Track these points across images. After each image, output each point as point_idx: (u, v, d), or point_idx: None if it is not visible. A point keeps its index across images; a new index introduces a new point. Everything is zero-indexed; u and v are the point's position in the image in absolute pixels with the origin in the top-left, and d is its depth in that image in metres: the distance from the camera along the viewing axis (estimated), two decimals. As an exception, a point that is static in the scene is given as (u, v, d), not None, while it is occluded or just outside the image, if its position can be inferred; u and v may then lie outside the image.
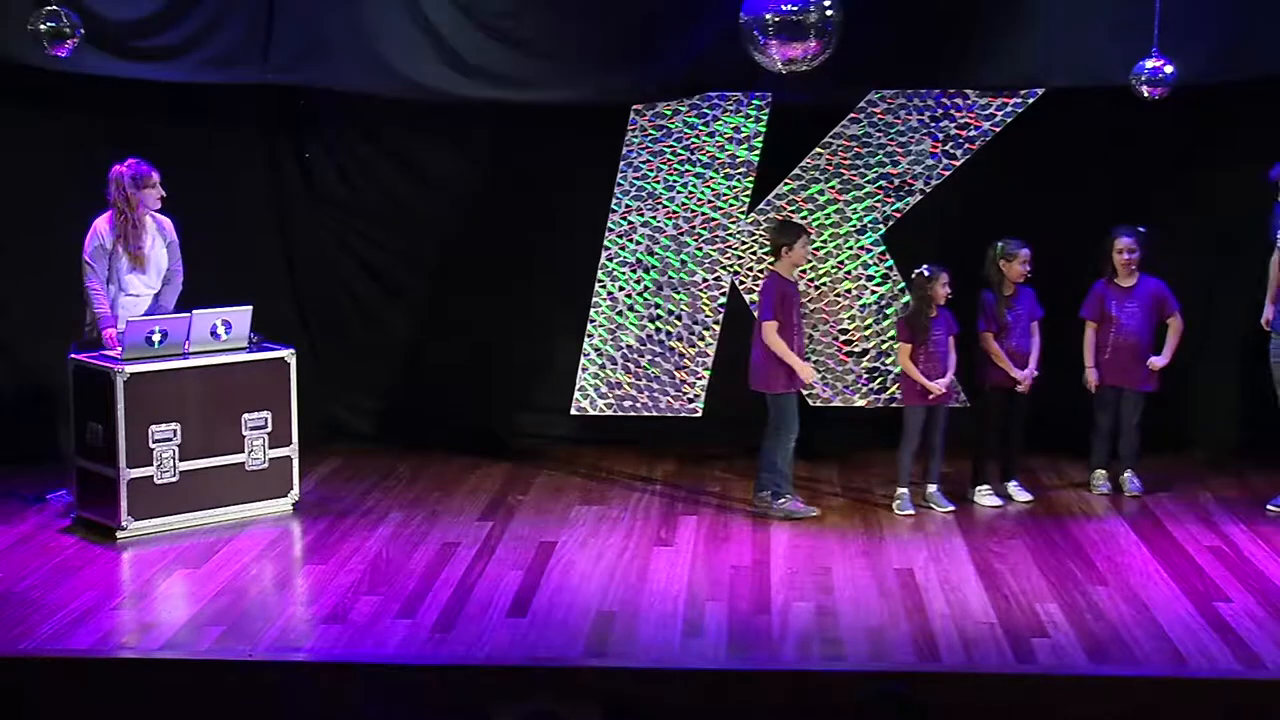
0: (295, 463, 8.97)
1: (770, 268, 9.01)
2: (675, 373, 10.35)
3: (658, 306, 10.32)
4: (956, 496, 9.07)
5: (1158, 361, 9.12)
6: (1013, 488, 9.20)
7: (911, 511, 8.87)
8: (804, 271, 10.19)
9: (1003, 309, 9.02)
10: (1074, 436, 9.54)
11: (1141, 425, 9.24)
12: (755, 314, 9.09)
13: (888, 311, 10.11)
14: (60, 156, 9.78)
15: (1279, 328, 8.72)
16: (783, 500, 8.85)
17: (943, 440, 9.00)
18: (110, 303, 8.79)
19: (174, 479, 8.56)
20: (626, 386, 10.38)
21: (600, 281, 10.30)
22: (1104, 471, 9.31)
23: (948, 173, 10.07)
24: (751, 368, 8.96)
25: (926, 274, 8.85)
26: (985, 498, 9.09)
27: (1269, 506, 8.80)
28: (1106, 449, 9.33)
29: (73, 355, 8.67)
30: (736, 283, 10.25)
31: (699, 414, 10.37)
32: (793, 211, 10.15)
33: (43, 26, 8.32)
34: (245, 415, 8.77)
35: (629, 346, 10.35)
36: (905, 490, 8.94)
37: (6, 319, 9.96)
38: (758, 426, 10.28)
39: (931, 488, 9.02)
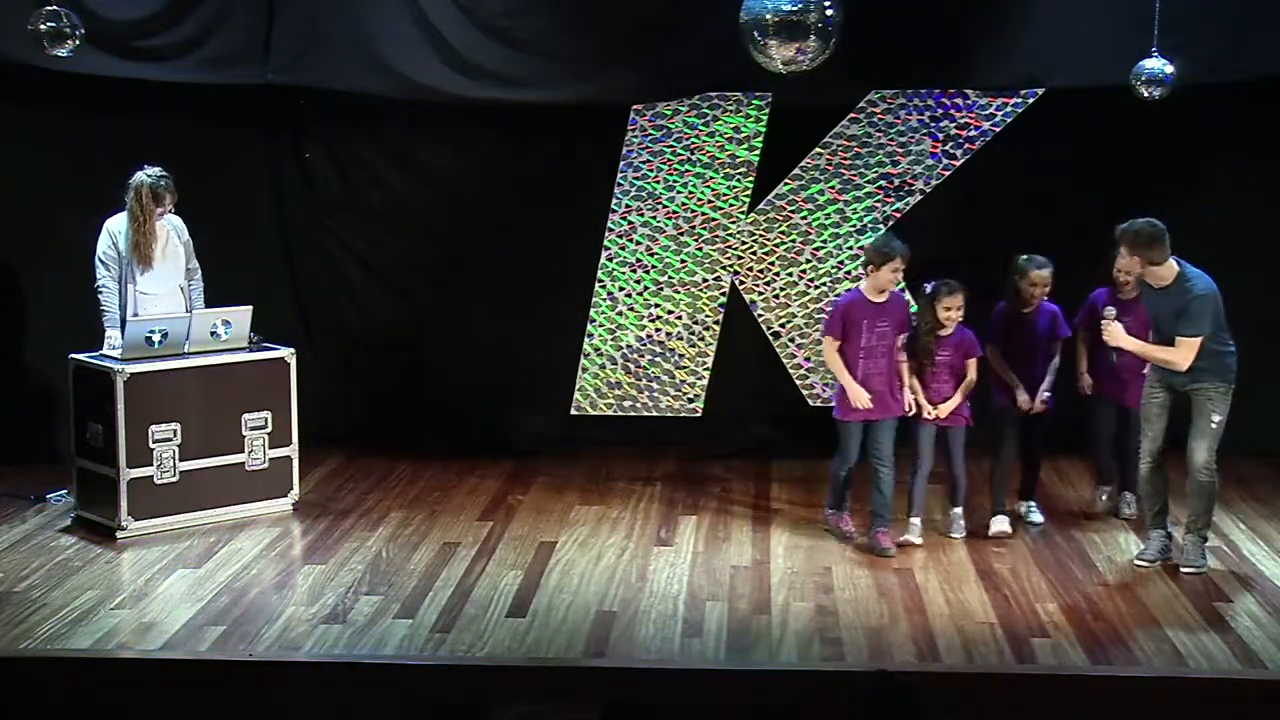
0: (295, 463, 8.97)
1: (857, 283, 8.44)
2: (675, 373, 10.35)
3: (658, 306, 10.32)
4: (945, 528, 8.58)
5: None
6: (1024, 509, 8.71)
7: (918, 541, 8.30)
8: (804, 271, 10.21)
9: (1018, 328, 8.47)
10: (1074, 438, 9.47)
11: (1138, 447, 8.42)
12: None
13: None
14: (61, 156, 9.79)
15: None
16: (832, 513, 8.52)
17: (963, 466, 8.43)
18: (123, 302, 8.79)
19: (174, 479, 8.56)
20: (626, 386, 10.38)
21: (600, 281, 10.30)
22: (1108, 488, 8.87)
23: (948, 173, 10.08)
24: None
25: (929, 291, 8.35)
26: (999, 524, 8.49)
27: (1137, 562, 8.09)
28: (1109, 465, 8.82)
29: (73, 355, 8.67)
30: (736, 283, 10.25)
31: (699, 414, 10.37)
32: (793, 211, 10.16)
33: (43, 26, 8.32)
34: (245, 415, 8.77)
35: (629, 346, 10.35)
36: (917, 520, 8.38)
37: (6, 319, 9.96)
38: (758, 426, 10.32)
39: (955, 510, 8.50)
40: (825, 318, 8.34)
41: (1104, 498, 8.90)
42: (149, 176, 8.76)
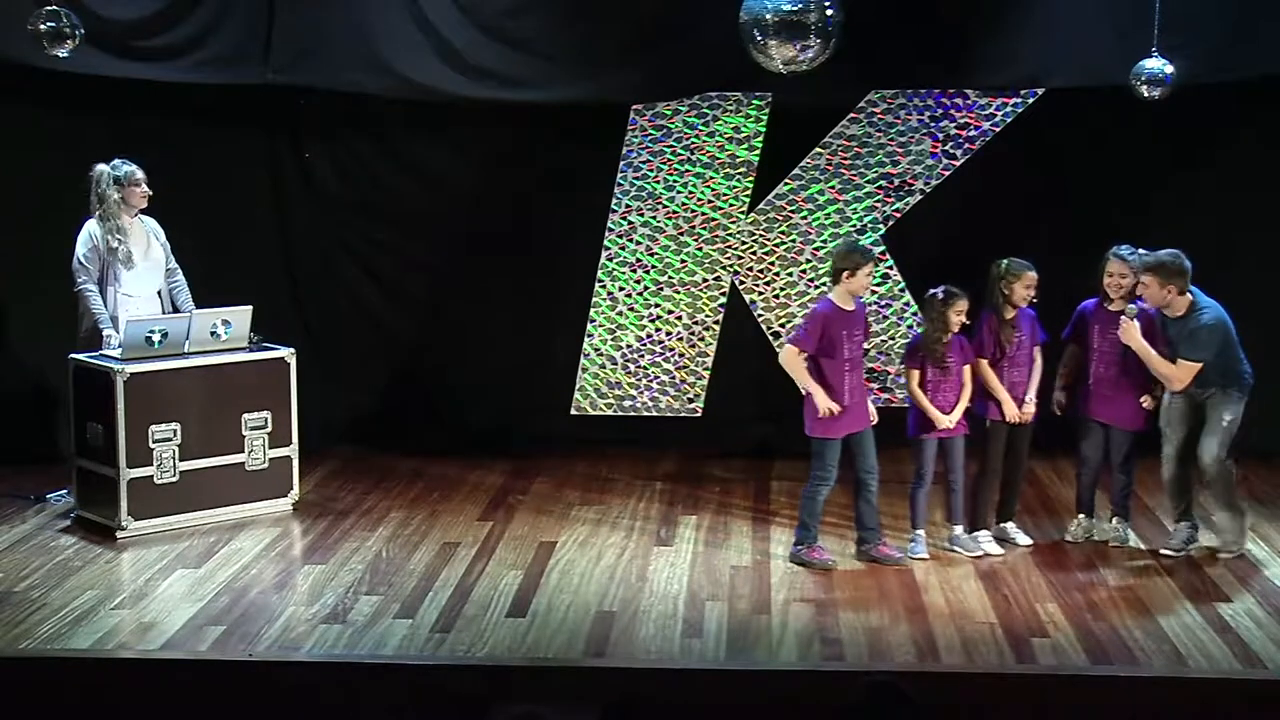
0: (295, 463, 8.97)
1: (827, 294, 8.13)
2: (675, 373, 10.36)
3: (658, 306, 10.32)
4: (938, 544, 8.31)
5: (1147, 402, 8.21)
6: (1010, 529, 8.39)
7: (925, 556, 8.08)
8: (804, 271, 10.21)
9: (1008, 334, 8.19)
10: (1067, 439, 9.37)
11: (1129, 469, 8.34)
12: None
13: (888, 313, 10.13)
14: (60, 156, 9.78)
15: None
16: (799, 548, 8.09)
17: (963, 477, 8.20)
18: (106, 302, 8.78)
19: (174, 479, 8.56)
20: (626, 386, 10.38)
21: (600, 281, 10.31)
22: (1085, 518, 8.42)
23: (948, 173, 10.08)
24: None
25: (941, 297, 8.03)
26: (986, 544, 8.24)
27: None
28: (1090, 492, 8.45)
29: (73, 355, 8.67)
30: (736, 283, 10.25)
31: (699, 414, 10.37)
32: (793, 211, 10.16)
33: (43, 26, 8.31)
34: (245, 415, 8.77)
35: (629, 346, 10.35)
36: (921, 532, 8.17)
37: (6, 319, 9.96)
38: (758, 426, 10.32)
39: (957, 529, 8.25)
40: (798, 328, 8.06)
41: (1077, 531, 8.44)
42: (111, 166, 8.76)
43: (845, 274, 7.94)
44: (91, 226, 8.80)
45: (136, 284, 8.89)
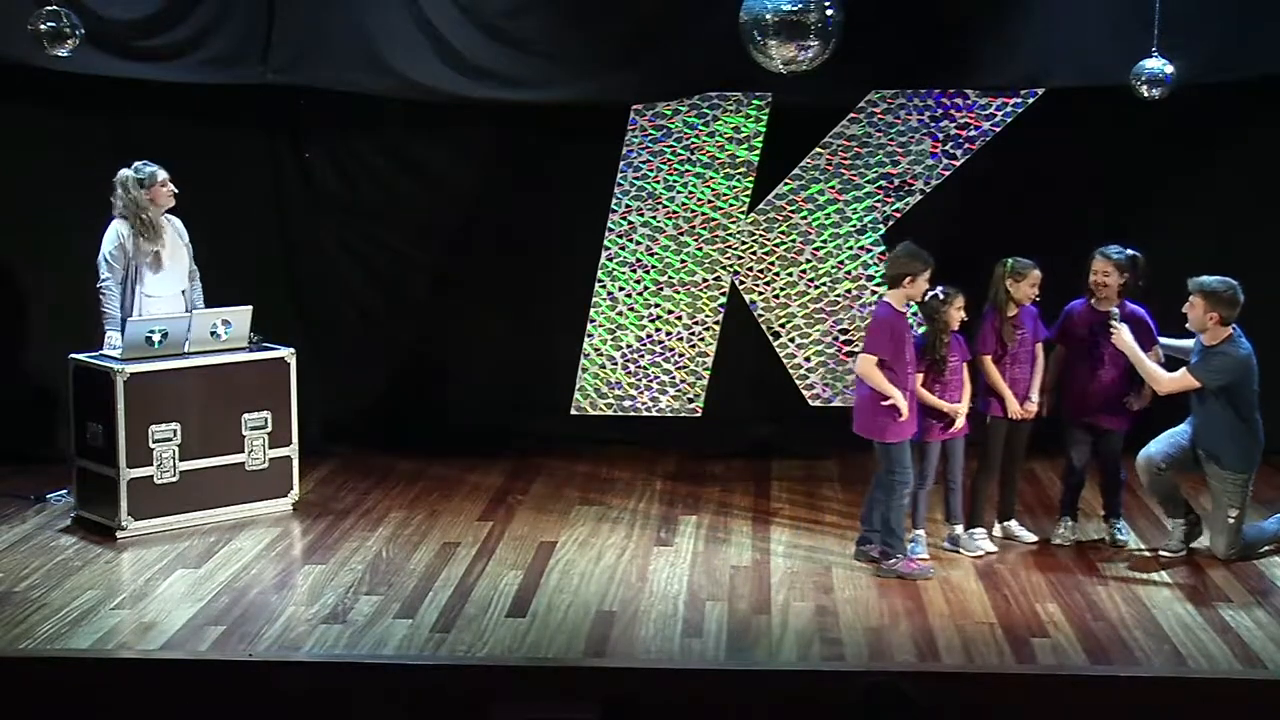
0: (295, 463, 8.97)
1: (884, 298, 8.05)
2: (675, 373, 10.35)
3: (658, 306, 10.32)
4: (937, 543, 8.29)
5: (1134, 403, 8.27)
6: (1013, 527, 8.45)
7: (925, 556, 8.00)
8: (804, 271, 10.21)
9: (1010, 332, 8.19)
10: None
11: (1120, 468, 8.37)
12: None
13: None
14: (61, 156, 9.79)
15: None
16: (894, 561, 7.90)
17: (962, 476, 8.22)
18: (128, 304, 8.76)
19: (174, 479, 8.56)
20: (626, 386, 10.38)
21: (600, 281, 10.31)
22: (1071, 521, 8.43)
23: (948, 173, 10.08)
24: (856, 408, 8.06)
25: (941, 297, 7.98)
26: (981, 542, 8.24)
27: None
28: (1076, 497, 8.46)
29: (73, 355, 8.67)
30: (736, 283, 10.25)
31: (699, 414, 10.37)
32: (793, 211, 10.16)
33: (43, 26, 8.32)
34: (245, 415, 8.77)
35: (629, 346, 10.35)
36: (921, 532, 8.12)
37: (6, 319, 9.96)
38: (758, 426, 10.32)
39: (957, 528, 8.26)
40: (866, 339, 7.97)
41: (1065, 532, 8.42)
42: (132, 169, 8.74)
43: (907, 280, 7.86)
44: (118, 225, 8.76)
45: (160, 285, 8.85)
